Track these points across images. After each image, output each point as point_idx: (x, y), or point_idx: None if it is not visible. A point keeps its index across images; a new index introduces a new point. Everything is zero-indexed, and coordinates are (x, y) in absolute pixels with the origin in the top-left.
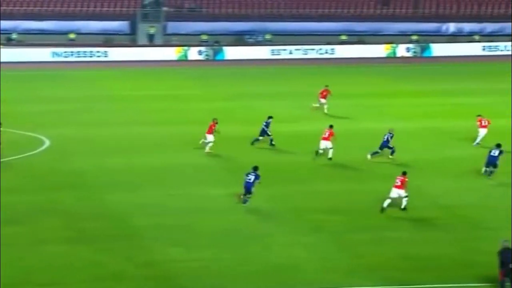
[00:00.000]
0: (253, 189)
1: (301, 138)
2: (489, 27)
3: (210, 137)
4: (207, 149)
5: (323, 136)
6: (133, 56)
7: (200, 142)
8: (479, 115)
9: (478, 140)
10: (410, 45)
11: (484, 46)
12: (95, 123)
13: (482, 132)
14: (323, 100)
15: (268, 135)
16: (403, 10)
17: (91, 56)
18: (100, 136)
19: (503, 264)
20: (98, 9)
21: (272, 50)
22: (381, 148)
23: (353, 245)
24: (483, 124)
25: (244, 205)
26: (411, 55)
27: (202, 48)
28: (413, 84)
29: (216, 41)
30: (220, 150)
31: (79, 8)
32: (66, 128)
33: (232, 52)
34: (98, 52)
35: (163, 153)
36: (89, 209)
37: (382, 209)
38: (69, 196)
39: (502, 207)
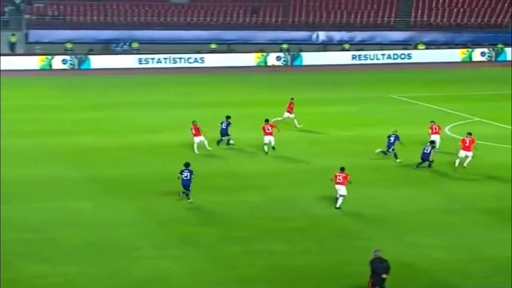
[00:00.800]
0: (191, 185)
1: (168, 148)
2: (359, 35)
3: (200, 138)
4: (207, 147)
5: (266, 131)
6: None
7: (195, 144)
8: (432, 121)
9: (437, 146)
10: (281, 54)
11: (354, 55)
12: None
13: (436, 137)
14: (289, 114)
15: (228, 135)
16: (273, 19)
17: None
18: None
19: (374, 273)
20: None
21: (140, 58)
22: (388, 149)
23: (224, 257)
24: (434, 130)
25: (189, 201)
26: (281, 64)
27: (67, 57)
28: (284, 93)
29: (91, 49)
30: (85, 161)
31: None
32: None
33: (98, 61)
34: None
35: (26, 165)
36: None
37: (337, 208)
38: None
39: (374, 217)
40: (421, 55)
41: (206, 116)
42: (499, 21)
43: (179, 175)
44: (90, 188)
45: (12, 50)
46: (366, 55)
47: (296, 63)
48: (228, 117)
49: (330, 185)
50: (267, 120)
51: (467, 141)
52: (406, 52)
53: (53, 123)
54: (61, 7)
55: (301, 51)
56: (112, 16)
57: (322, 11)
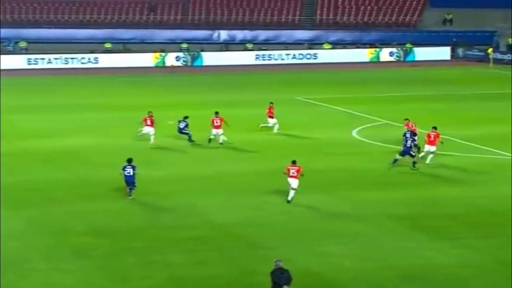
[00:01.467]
0: (135, 181)
1: (60, 154)
2: (262, 34)
3: (149, 129)
4: (152, 141)
5: (215, 125)
6: None
7: (139, 134)
8: (406, 119)
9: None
10: (180, 54)
11: (257, 55)
12: None
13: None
14: (272, 120)
15: (187, 133)
16: (172, 17)
17: None
18: None
19: (275, 284)
20: None
21: (29, 59)
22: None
23: (119, 269)
24: (411, 128)
25: (130, 197)
26: (181, 64)
27: None
28: (183, 95)
29: None
30: None
31: None
32: None
33: None
34: None
35: None
36: None
37: (288, 202)
38: None
39: (278, 225)
40: (327, 55)
41: (101, 119)
42: (407, 19)
43: (121, 171)
44: None
45: None
46: (270, 55)
47: (197, 63)
48: (186, 117)
49: (233, 192)
50: (217, 113)
51: (432, 136)
52: (311, 52)
53: None
54: None
55: (201, 51)
56: None
57: (223, 9)
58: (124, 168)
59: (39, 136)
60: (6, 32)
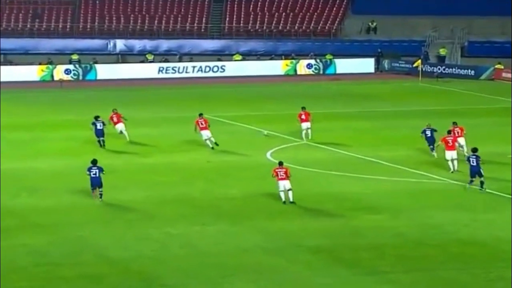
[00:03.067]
0: (102, 181)
1: None
2: (164, 44)
3: (120, 126)
4: (127, 138)
5: (201, 126)
6: None
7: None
8: (454, 123)
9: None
10: (70, 66)
11: (160, 68)
12: None
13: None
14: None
15: (103, 136)
16: (60, 25)
17: None
18: None
19: None
20: None
21: None
22: (431, 143)
23: None
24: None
25: (100, 200)
26: (71, 78)
27: None
28: (75, 113)
29: None
30: None
31: None
32: None
33: None
34: None
35: None
36: None
37: (284, 202)
38: None
39: (180, 260)
40: (237, 68)
41: None
42: (327, 28)
43: (87, 172)
44: None
45: None
46: (175, 67)
47: (89, 77)
48: (97, 117)
49: (129, 222)
50: (201, 114)
51: (450, 141)
52: (219, 64)
53: None
54: None
55: (95, 63)
56: None
57: (119, 15)
58: (89, 169)
59: None
60: None
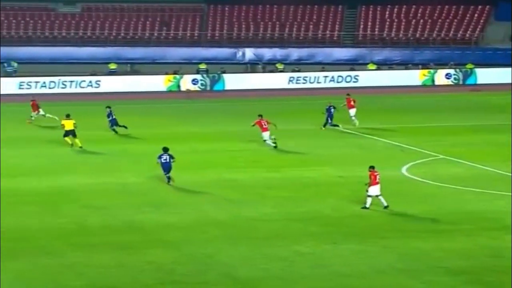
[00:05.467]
0: (171, 168)
1: (49, 196)
2: (295, 53)
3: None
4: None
5: (264, 127)
6: None
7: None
8: (348, 94)
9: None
10: (198, 76)
11: (291, 78)
12: None
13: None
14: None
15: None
16: (188, 33)
17: None
18: None
19: None
20: None
21: (21, 82)
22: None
23: None
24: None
25: (170, 184)
26: (198, 89)
27: None
28: (202, 126)
29: None
30: None
31: None
32: None
33: None
34: None
35: None
36: None
37: (365, 207)
38: None
39: (310, 280)
40: (371, 78)
41: (98, 154)
42: (467, 35)
43: (157, 160)
44: None
45: None
46: (305, 77)
47: (217, 87)
48: (108, 107)
49: (256, 240)
50: (260, 115)
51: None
52: (352, 73)
53: None
54: None
55: (223, 72)
56: None
57: (249, 23)
58: (160, 156)
59: (27, 174)
60: None
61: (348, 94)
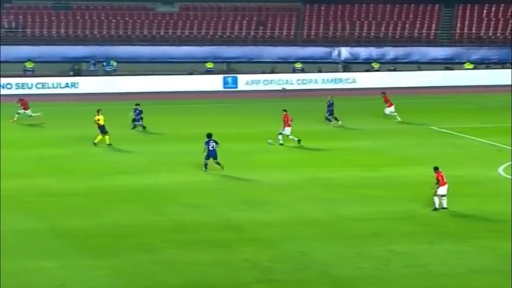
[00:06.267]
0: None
1: (146, 194)
2: (391, 52)
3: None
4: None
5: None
6: None
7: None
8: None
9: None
10: (293, 75)
11: (384, 76)
12: None
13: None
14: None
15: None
16: (284, 32)
17: None
18: None
19: None
20: None
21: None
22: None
23: None
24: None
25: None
26: (294, 87)
27: (28, 80)
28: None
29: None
30: (45, 211)
31: None
32: None
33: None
34: None
35: None
36: None
37: (436, 209)
38: None
39: (406, 280)
40: (468, 77)
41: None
42: None
43: (205, 146)
44: (54, 244)
45: None
46: (399, 76)
47: (312, 86)
48: (137, 104)
49: (353, 239)
50: (285, 111)
51: None
52: (448, 73)
53: (4, 161)
54: (20, 17)
55: (319, 71)
56: (83, 29)
57: (344, 22)
58: (207, 143)
59: (124, 172)
60: (91, 50)
61: (383, 92)
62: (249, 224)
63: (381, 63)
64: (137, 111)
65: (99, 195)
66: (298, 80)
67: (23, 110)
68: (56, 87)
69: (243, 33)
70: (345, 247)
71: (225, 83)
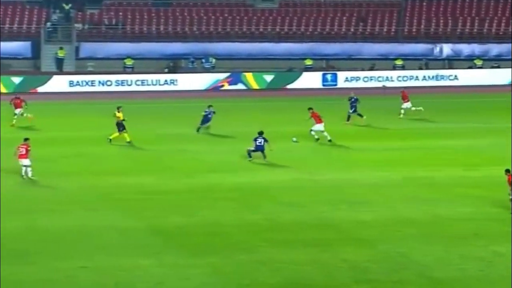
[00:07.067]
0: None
1: (244, 192)
2: (495, 49)
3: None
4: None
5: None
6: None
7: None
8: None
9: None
10: (394, 72)
11: (488, 73)
12: None
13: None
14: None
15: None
16: (385, 28)
17: None
18: None
19: None
20: None
21: (217, 78)
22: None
23: None
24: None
25: (265, 160)
26: (394, 84)
27: (127, 77)
28: (394, 123)
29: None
30: (144, 208)
31: None
32: None
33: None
34: None
35: (69, 212)
36: None
37: None
38: None
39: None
40: None
41: (300, 150)
42: None
43: (253, 141)
44: (151, 241)
45: (60, 68)
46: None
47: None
48: (210, 106)
49: (453, 240)
50: (311, 108)
51: None
52: None
53: (102, 159)
54: (120, 14)
55: (420, 68)
56: (182, 26)
57: (447, 18)
58: (256, 139)
59: (220, 170)
60: (190, 47)
61: (405, 88)
62: (347, 223)
63: (484, 60)
64: (209, 113)
65: (195, 193)
66: (399, 77)
67: (18, 110)
68: (156, 84)
69: (343, 30)
70: (446, 248)
71: (324, 80)
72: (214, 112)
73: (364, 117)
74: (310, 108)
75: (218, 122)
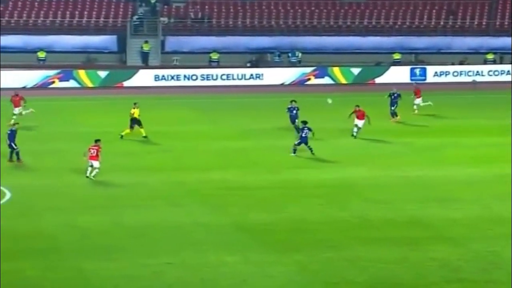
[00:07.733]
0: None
1: (330, 189)
2: None
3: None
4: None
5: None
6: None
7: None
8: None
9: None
10: (484, 67)
11: None
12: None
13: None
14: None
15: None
16: (475, 21)
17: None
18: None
19: None
20: (76, 20)
21: (303, 72)
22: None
23: None
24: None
25: (312, 154)
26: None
27: (213, 71)
28: (487, 118)
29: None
30: (228, 204)
31: (50, 19)
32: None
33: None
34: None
35: (172, 208)
36: (61, 282)
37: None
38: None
39: None
40: None
41: (383, 146)
42: None
43: (300, 131)
44: (236, 238)
45: (145, 62)
46: None
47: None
48: (293, 101)
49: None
50: (357, 106)
51: None
52: None
53: (188, 154)
54: (206, 7)
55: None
56: (268, 19)
57: None
58: (302, 129)
59: (306, 166)
60: (276, 40)
61: (416, 83)
62: (437, 221)
63: None
64: (293, 109)
65: (281, 189)
66: (490, 71)
67: (17, 109)
68: (241, 79)
69: (432, 23)
70: None
71: (413, 74)
72: (298, 108)
73: (399, 117)
74: (357, 106)
75: (306, 118)
